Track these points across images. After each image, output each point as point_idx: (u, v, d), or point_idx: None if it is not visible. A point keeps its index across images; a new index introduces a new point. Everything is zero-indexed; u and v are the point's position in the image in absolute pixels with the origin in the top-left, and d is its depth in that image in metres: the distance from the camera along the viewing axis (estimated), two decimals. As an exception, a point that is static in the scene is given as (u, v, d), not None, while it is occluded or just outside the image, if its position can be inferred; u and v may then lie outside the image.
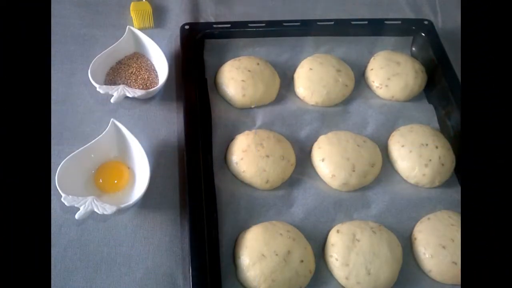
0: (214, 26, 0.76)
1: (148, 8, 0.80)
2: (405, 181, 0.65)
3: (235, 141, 0.65)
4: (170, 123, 0.70)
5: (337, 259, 0.56)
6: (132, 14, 0.80)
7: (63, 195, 0.56)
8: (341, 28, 0.77)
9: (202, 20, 0.82)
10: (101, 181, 0.61)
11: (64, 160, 0.58)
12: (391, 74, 0.73)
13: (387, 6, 0.87)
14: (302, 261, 0.55)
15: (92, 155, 0.62)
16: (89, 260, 0.57)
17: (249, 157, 0.62)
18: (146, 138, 0.67)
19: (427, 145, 0.65)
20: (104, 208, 0.55)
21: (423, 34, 0.77)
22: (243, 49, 0.76)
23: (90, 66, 0.68)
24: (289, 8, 0.86)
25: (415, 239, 0.59)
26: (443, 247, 0.57)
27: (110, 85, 0.69)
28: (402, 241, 0.59)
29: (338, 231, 0.58)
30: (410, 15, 0.86)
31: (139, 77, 0.72)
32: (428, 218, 0.60)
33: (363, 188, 0.64)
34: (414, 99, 0.73)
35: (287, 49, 0.77)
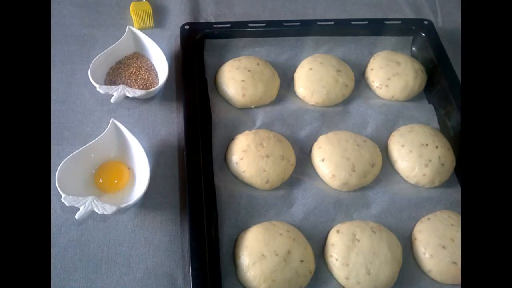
0: (214, 26, 0.76)
1: (148, 8, 0.80)
2: (405, 181, 0.65)
3: (235, 141, 0.65)
4: (170, 123, 0.70)
5: (337, 259, 0.56)
6: (132, 14, 0.80)
7: (63, 195, 0.56)
8: (341, 28, 0.77)
9: (202, 20, 0.82)
10: (101, 181, 0.61)
11: (64, 160, 0.58)
12: (391, 74, 0.73)
13: (387, 6, 0.87)
14: (302, 261, 0.55)
15: (92, 155, 0.62)
16: (89, 260, 0.57)
17: (249, 157, 0.62)
18: (146, 138, 0.67)
19: (427, 145, 0.65)
20: (104, 208, 0.55)
21: (423, 34, 0.77)
22: (243, 49, 0.76)
23: (90, 66, 0.68)
24: (289, 8, 0.86)
25: (415, 239, 0.59)
26: (443, 247, 0.57)
27: (110, 85, 0.69)
28: (402, 241, 0.59)
29: (338, 231, 0.58)
30: (410, 15, 0.86)
31: (139, 77, 0.72)
32: (428, 218, 0.60)
33: (363, 188, 0.64)
34: (414, 99, 0.73)
35: (287, 49, 0.77)
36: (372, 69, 0.75)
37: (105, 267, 0.57)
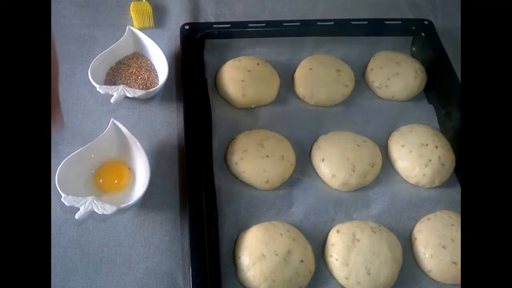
0: (214, 26, 0.76)
1: (148, 8, 0.80)
2: (405, 181, 0.65)
3: (235, 141, 0.65)
4: (170, 123, 0.70)
5: (337, 259, 0.56)
6: (132, 14, 0.80)
7: (63, 195, 0.56)
8: (341, 28, 0.77)
9: (202, 20, 0.82)
10: (101, 181, 0.61)
11: (64, 160, 0.58)
12: (391, 74, 0.73)
13: (387, 6, 0.87)
14: (302, 261, 0.55)
15: (92, 155, 0.62)
16: (89, 260, 0.57)
17: (249, 157, 0.62)
18: (146, 138, 0.67)
19: (427, 145, 0.65)
20: (104, 208, 0.55)
21: (423, 34, 0.77)
22: (243, 49, 0.76)
23: (90, 66, 0.68)
24: (289, 8, 0.86)
25: (415, 239, 0.59)
26: (443, 247, 0.57)
27: (110, 85, 0.69)
28: (402, 241, 0.59)
29: (338, 231, 0.58)
30: (410, 15, 0.86)
31: (139, 77, 0.72)
32: (428, 218, 0.60)
33: (363, 188, 0.64)
34: (414, 99, 0.73)
35: (287, 49, 0.77)
36: (372, 69, 0.75)
37: (105, 267, 0.57)
